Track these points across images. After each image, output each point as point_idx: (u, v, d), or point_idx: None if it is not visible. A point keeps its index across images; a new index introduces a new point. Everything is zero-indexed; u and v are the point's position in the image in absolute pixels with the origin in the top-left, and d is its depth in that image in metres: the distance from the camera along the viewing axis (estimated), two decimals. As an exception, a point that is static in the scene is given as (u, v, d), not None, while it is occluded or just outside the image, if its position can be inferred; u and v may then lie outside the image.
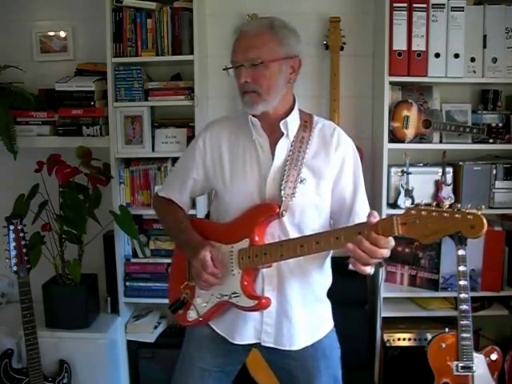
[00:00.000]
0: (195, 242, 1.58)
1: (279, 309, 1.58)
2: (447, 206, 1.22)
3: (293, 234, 1.53)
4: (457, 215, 1.19)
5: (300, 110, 1.62)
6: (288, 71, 1.54)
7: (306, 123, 1.60)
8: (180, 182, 1.70)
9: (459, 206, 1.21)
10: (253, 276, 1.55)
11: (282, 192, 1.51)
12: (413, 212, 1.25)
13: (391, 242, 1.33)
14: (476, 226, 1.17)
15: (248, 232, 1.52)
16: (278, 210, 1.50)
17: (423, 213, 1.23)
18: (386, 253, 1.33)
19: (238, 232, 1.54)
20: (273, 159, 1.55)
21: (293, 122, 1.58)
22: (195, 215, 2.39)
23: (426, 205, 1.26)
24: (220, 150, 1.62)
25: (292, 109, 1.59)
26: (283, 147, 1.56)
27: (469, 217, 1.18)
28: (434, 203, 1.25)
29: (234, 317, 1.60)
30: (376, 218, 1.32)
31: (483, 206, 1.21)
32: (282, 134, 1.56)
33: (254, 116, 1.56)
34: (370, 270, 1.37)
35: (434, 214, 1.22)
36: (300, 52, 1.56)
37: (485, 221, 1.18)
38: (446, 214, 1.20)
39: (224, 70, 1.56)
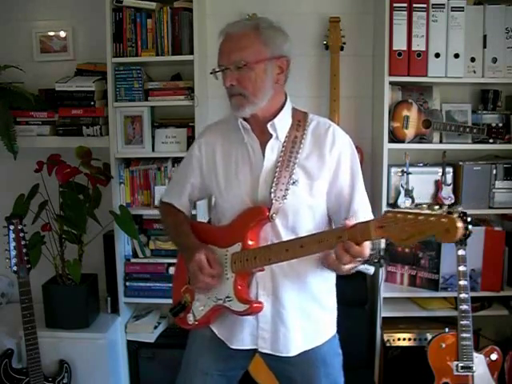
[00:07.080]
0: (192, 246, 1.58)
1: (274, 313, 1.56)
2: (427, 208, 1.18)
3: (286, 236, 1.51)
4: (431, 218, 1.13)
5: (294, 109, 1.60)
6: (275, 71, 1.50)
7: (300, 122, 1.57)
8: (179, 187, 1.73)
9: (436, 207, 1.17)
10: (247, 280, 1.54)
11: (272, 195, 1.49)
12: (389, 215, 1.22)
13: (365, 248, 1.31)
14: (451, 230, 1.10)
15: (240, 236, 1.51)
16: (267, 214, 1.48)
17: (399, 216, 1.20)
18: (360, 254, 1.31)
19: (232, 236, 1.54)
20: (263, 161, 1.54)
21: (281, 123, 1.55)
22: (195, 215, 2.39)
23: (417, 205, 1.24)
24: (214, 158, 1.62)
25: (281, 109, 1.56)
26: (273, 148, 1.54)
27: (443, 220, 1.11)
28: (414, 205, 1.22)
29: (233, 321, 1.60)
30: (352, 222, 1.31)
31: (460, 208, 1.17)
32: (272, 136, 1.55)
33: (244, 119, 1.55)
34: (347, 268, 1.37)
35: (409, 216, 1.18)
36: (288, 51, 1.52)
37: (458, 224, 1.10)
38: (421, 217, 1.15)
39: (211, 73, 1.54)
